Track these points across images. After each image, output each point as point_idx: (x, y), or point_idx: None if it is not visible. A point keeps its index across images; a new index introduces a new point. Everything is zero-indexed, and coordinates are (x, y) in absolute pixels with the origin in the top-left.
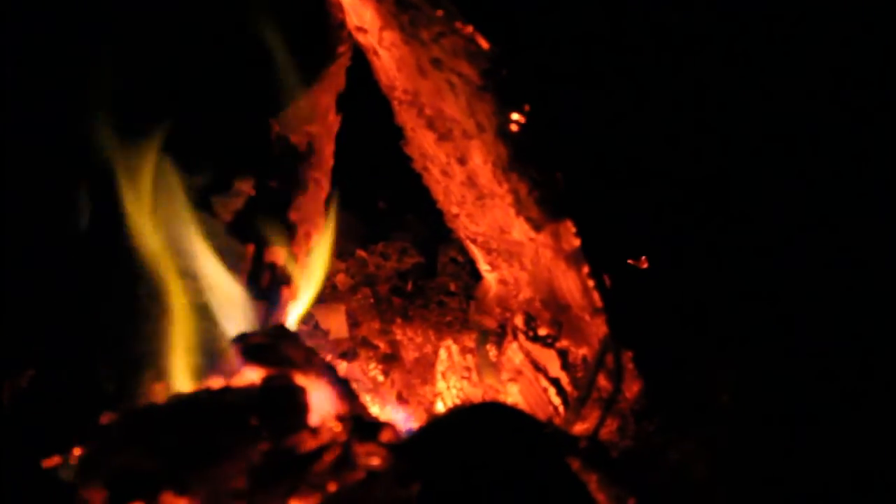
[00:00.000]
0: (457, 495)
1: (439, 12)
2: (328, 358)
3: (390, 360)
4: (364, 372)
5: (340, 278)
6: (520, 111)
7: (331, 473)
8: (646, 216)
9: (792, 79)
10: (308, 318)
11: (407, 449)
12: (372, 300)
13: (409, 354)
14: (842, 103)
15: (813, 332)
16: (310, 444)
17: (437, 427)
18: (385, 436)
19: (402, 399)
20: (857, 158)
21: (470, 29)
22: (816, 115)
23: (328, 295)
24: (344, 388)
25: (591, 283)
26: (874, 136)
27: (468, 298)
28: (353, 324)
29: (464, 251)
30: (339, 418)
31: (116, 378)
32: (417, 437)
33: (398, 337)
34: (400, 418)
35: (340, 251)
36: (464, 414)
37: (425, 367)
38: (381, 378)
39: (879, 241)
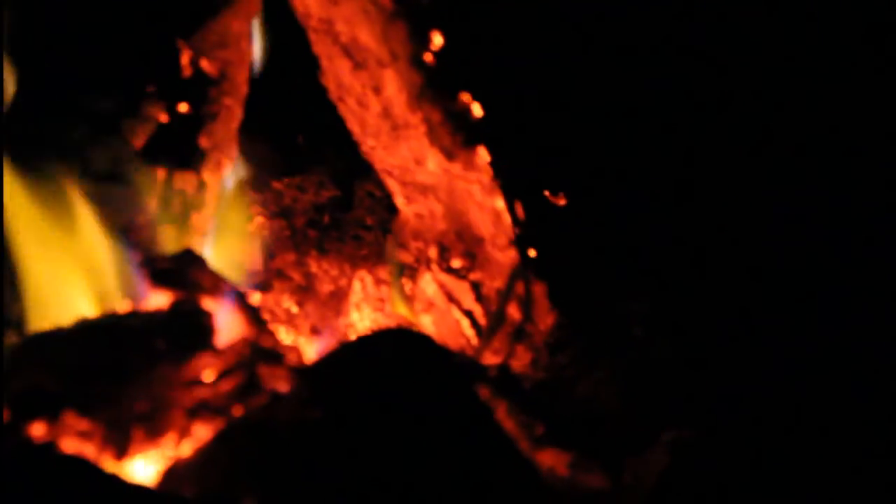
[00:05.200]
0: (361, 418)
1: None
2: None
3: (305, 292)
4: (278, 303)
5: (256, 210)
6: (432, 38)
7: (236, 396)
8: (562, 147)
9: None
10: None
11: (313, 373)
12: (288, 232)
13: (324, 287)
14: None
15: (723, 269)
16: (215, 367)
17: (345, 352)
18: (291, 360)
19: (315, 331)
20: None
21: None
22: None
23: None
24: (252, 313)
25: (503, 214)
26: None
27: (385, 232)
28: (268, 256)
29: (381, 185)
30: (246, 342)
31: (22, 301)
32: (324, 361)
33: (313, 269)
34: (313, 349)
35: (256, 183)
36: (371, 339)
37: (340, 300)
38: (295, 310)
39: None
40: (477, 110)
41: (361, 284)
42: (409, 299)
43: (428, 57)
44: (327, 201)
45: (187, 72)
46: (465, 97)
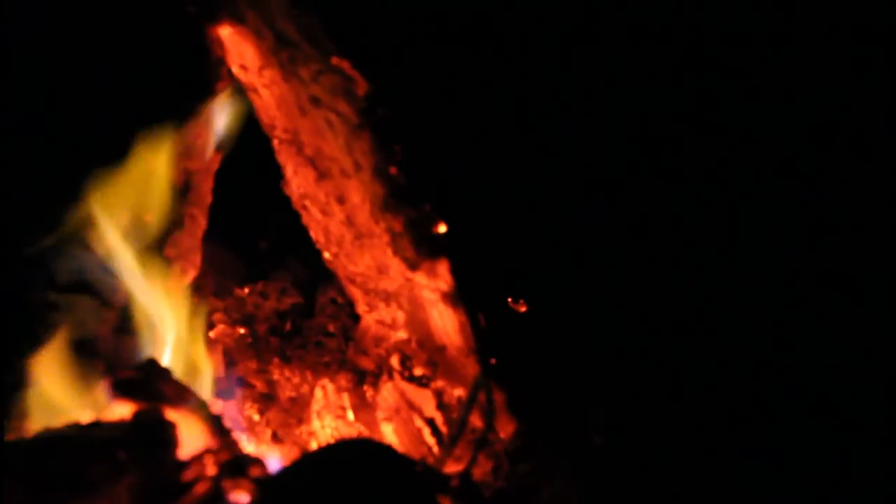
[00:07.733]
0: None
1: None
2: (205, 399)
3: (266, 400)
4: (239, 411)
5: (218, 317)
6: (395, 151)
7: None
8: (523, 257)
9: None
10: None
11: (274, 484)
12: (249, 339)
13: (286, 394)
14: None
15: (682, 375)
16: (178, 479)
17: (307, 463)
18: (254, 471)
19: (277, 439)
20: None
21: (347, 66)
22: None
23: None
24: (216, 424)
25: (465, 323)
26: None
27: (346, 339)
28: (230, 363)
29: (343, 292)
30: (209, 453)
31: None
32: (286, 472)
33: (275, 377)
34: (274, 458)
35: (219, 290)
36: (333, 450)
37: (301, 407)
38: (256, 417)
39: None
40: (441, 225)
41: (323, 392)
42: (369, 407)
43: (392, 169)
44: (290, 308)
45: None
46: (428, 209)
